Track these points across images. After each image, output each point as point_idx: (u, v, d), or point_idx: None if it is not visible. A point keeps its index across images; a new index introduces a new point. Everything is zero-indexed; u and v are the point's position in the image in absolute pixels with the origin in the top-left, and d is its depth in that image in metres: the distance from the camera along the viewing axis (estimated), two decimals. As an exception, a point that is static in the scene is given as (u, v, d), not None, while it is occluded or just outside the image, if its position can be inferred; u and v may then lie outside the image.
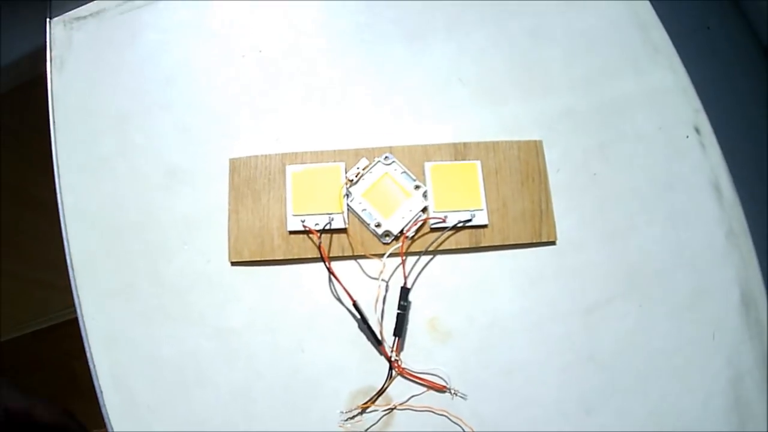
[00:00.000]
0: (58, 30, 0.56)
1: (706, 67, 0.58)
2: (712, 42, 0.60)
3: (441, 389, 0.48)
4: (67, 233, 0.50)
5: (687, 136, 0.56)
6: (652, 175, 0.54)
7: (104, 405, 0.47)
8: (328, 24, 0.58)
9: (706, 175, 0.55)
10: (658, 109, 0.56)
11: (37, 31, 0.56)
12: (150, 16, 0.57)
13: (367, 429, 0.47)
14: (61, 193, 0.51)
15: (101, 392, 0.48)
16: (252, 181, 0.51)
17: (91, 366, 0.48)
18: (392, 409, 0.47)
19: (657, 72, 0.58)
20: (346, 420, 0.47)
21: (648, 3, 0.61)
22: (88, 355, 0.48)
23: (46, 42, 0.55)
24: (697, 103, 0.57)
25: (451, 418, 0.47)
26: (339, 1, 0.59)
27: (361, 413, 0.47)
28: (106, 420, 0.47)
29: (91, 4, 0.57)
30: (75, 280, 0.49)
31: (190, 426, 0.47)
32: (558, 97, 0.56)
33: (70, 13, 0.56)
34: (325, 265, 0.49)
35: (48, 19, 0.56)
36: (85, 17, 0.56)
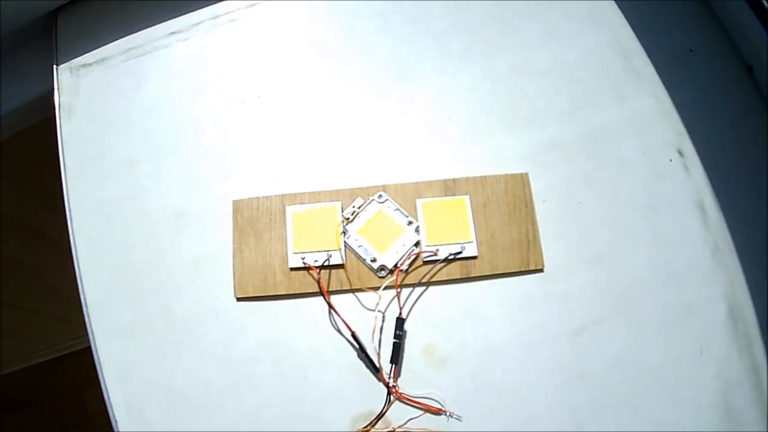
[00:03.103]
0: (65, 76, 0.63)
1: (689, 90, 0.64)
2: (695, 64, 0.66)
3: (437, 412, 0.54)
4: (80, 272, 0.57)
5: (670, 160, 0.62)
6: (637, 199, 0.60)
7: None
8: (320, 67, 0.65)
9: (690, 195, 0.61)
10: (641, 135, 0.63)
11: (45, 77, 0.62)
12: (153, 63, 0.64)
13: (369, 451, 0.53)
14: (73, 234, 0.58)
15: (116, 422, 0.54)
16: (254, 221, 0.58)
17: (106, 398, 0.54)
18: (391, 431, 0.54)
19: (639, 98, 0.64)
20: (349, 444, 0.53)
21: (630, 30, 0.67)
22: (102, 387, 0.55)
23: (53, 87, 0.61)
24: (680, 126, 0.63)
25: (447, 438, 0.54)
26: (331, 47, 0.65)
27: (362, 437, 0.54)
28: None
29: (96, 51, 0.63)
30: (89, 317, 0.56)
31: (202, 453, 0.53)
32: (543, 130, 0.62)
33: (76, 60, 0.63)
34: (325, 299, 0.55)
35: (55, 66, 0.63)
36: (90, 64, 0.63)
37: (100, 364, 0.55)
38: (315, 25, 0.67)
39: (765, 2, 0.63)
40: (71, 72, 0.63)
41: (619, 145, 0.62)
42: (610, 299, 0.57)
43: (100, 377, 0.55)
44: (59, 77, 0.62)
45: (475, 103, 0.63)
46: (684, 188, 0.61)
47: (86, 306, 0.56)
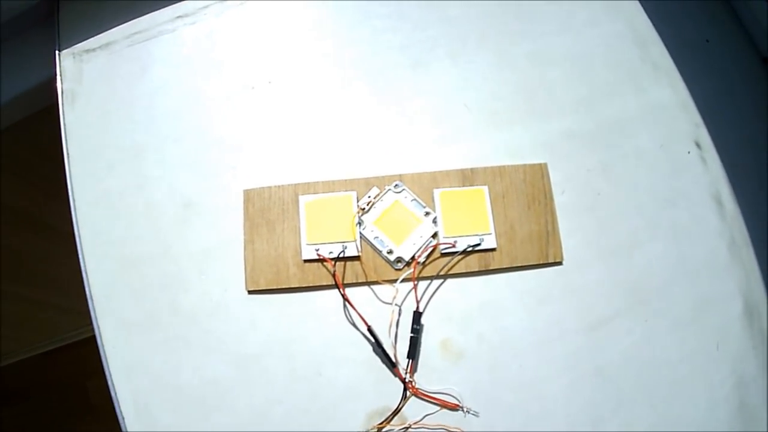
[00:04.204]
0: (68, 62, 0.61)
1: (706, 81, 0.65)
2: (712, 55, 0.67)
3: (454, 408, 0.54)
4: (85, 265, 0.56)
5: (688, 152, 0.62)
6: (655, 191, 0.61)
7: (125, 429, 0.53)
8: (335, 54, 0.64)
9: (707, 188, 0.61)
10: (659, 127, 0.63)
11: (47, 63, 0.61)
12: (159, 48, 0.63)
13: (384, 449, 0.53)
14: (78, 225, 0.57)
15: (123, 419, 0.53)
16: (266, 211, 0.57)
17: (113, 393, 0.54)
18: (407, 428, 0.53)
19: (657, 89, 0.64)
20: (364, 439, 0.53)
21: (647, 19, 0.67)
22: (109, 383, 0.54)
23: (55, 73, 0.60)
24: (697, 118, 0.63)
25: (464, 435, 0.53)
26: (345, 31, 0.65)
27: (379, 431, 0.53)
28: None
29: (99, 36, 0.62)
30: (95, 311, 0.55)
31: (211, 451, 0.53)
32: (561, 120, 0.62)
33: (79, 45, 0.62)
34: (340, 292, 0.55)
35: (57, 52, 0.61)
36: (94, 49, 0.62)
37: (106, 360, 0.54)
38: (328, 9, 0.66)
39: None
40: (74, 58, 0.61)
41: (638, 136, 0.62)
42: (627, 293, 0.58)
43: (107, 373, 0.54)
44: (62, 63, 0.61)
45: (491, 91, 0.63)
46: (701, 181, 0.61)
47: (92, 300, 0.55)
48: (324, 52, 0.64)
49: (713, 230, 0.60)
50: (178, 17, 0.64)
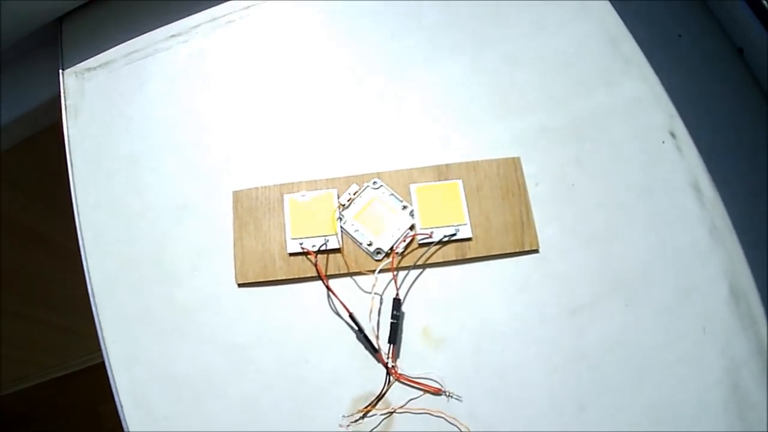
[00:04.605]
0: (71, 80, 0.67)
1: (679, 73, 0.67)
2: (684, 49, 0.69)
3: (436, 392, 0.56)
4: (87, 265, 0.60)
5: (663, 142, 0.64)
6: (630, 181, 0.63)
7: (125, 419, 0.56)
8: (315, 64, 0.69)
9: (684, 176, 0.63)
10: (632, 119, 0.65)
11: (50, 82, 0.67)
12: (154, 65, 0.68)
13: (370, 431, 0.55)
14: (80, 228, 0.62)
15: (122, 407, 0.57)
16: (254, 210, 0.61)
17: (112, 383, 0.57)
18: (391, 412, 0.56)
19: (629, 83, 0.67)
20: (348, 424, 0.55)
21: (617, 18, 0.70)
22: (109, 373, 0.58)
23: (59, 91, 0.66)
24: (671, 109, 0.66)
25: (447, 419, 0.55)
26: (323, 42, 0.70)
27: (362, 417, 0.55)
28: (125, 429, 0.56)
29: (99, 55, 0.68)
30: (96, 306, 0.59)
31: (203, 436, 0.56)
32: (533, 116, 0.65)
33: (80, 64, 0.68)
34: (323, 281, 0.58)
35: (61, 71, 0.67)
36: (95, 68, 0.68)
37: (107, 352, 0.58)
38: (308, 25, 0.71)
39: None
40: (76, 76, 0.67)
41: (611, 129, 0.65)
42: (607, 279, 0.59)
43: (107, 364, 0.58)
44: (65, 81, 0.67)
45: (466, 92, 0.66)
46: (678, 169, 0.63)
47: (93, 296, 0.59)
48: (305, 64, 0.69)
49: (693, 216, 0.61)
50: (172, 36, 0.70)
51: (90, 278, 0.60)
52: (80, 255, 0.61)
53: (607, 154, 0.64)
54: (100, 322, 0.59)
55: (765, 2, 0.65)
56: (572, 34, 0.69)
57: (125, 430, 0.56)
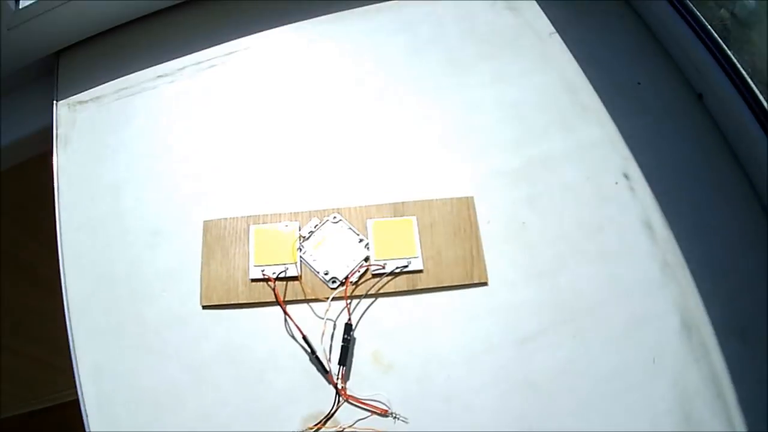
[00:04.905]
0: (63, 111, 0.74)
1: (636, 118, 0.72)
2: (644, 95, 0.75)
3: (384, 413, 0.59)
4: (65, 281, 0.65)
5: (616, 183, 0.69)
6: (581, 219, 0.67)
7: (88, 426, 0.60)
8: (283, 106, 0.76)
9: (636, 215, 0.67)
10: (586, 161, 0.70)
11: (44, 112, 0.73)
12: (141, 102, 0.75)
13: (318, 449, 0.59)
14: (62, 247, 0.67)
15: (86, 416, 0.60)
16: (222, 239, 0.67)
17: (79, 393, 0.61)
18: (340, 431, 0.60)
19: (585, 128, 0.72)
20: (298, 442, 0.59)
21: (578, 68, 0.76)
22: (77, 383, 0.62)
23: (52, 121, 0.72)
24: (626, 152, 0.71)
25: (393, 440, 0.59)
26: (294, 88, 0.77)
27: (311, 435, 0.59)
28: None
29: (91, 90, 0.74)
30: (70, 321, 0.64)
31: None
32: (489, 159, 0.71)
33: (73, 97, 0.74)
34: (280, 305, 0.63)
35: (55, 102, 0.74)
36: (86, 101, 0.74)
37: (76, 363, 0.62)
38: (279, 74, 0.78)
39: (713, 31, 0.71)
40: (69, 107, 0.74)
41: (564, 171, 0.70)
42: (555, 311, 0.63)
43: (76, 375, 0.62)
44: (58, 112, 0.74)
45: (425, 134, 0.73)
46: (630, 208, 0.68)
47: (68, 310, 0.64)
48: (273, 108, 0.76)
49: (644, 253, 0.65)
50: (159, 77, 0.77)
51: (67, 294, 0.65)
52: (59, 273, 0.65)
53: (559, 194, 0.69)
54: (72, 335, 0.63)
55: (726, 47, 0.70)
56: (532, 83, 0.75)
57: (88, 437, 0.60)
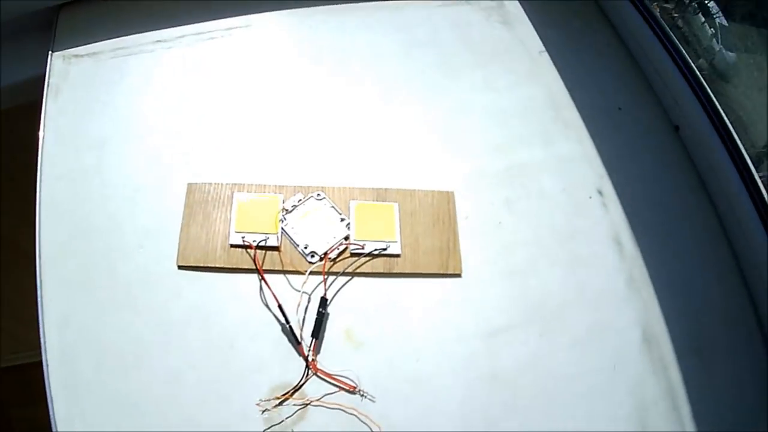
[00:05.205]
0: (58, 62, 0.73)
1: (614, 140, 0.76)
2: (623, 120, 0.79)
3: (351, 389, 0.60)
4: (40, 228, 0.64)
5: (590, 197, 0.72)
6: (554, 226, 0.70)
7: (48, 377, 0.58)
8: (279, 84, 0.77)
9: (607, 229, 0.70)
10: (564, 174, 0.73)
11: (39, 62, 0.72)
12: (137, 63, 0.75)
13: (283, 420, 0.58)
14: (40, 195, 0.65)
15: (47, 366, 0.58)
16: (204, 203, 0.67)
17: (42, 343, 0.59)
18: (306, 404, 0.59)
19: (565, 143, 0.76)
20: (264, 410, 0.59)
21: (563, 87, 0.80)
22: (40, 334, 0.60)
23: (45, 71, 0.71)
24: (602, 170, 0.74)
25: (359, 416, 0.58)
26: (290, 68, 0.78)
27: (279, 404, 0.58)
28: (47, 390, 0.58)
29: (89, 45, 0.74)
30: (40, 268, 0.62)
31: (122, 404, 0.58)
32: (472, 160, 0.74)
33: (70, 50, 0.74)
34: (258, 271, 0.63)
35: (50, 52, 0.73)
36: (82, 56, 0.74)
37: (42, 312, 0.61)
38: (278, 54, 0.80)
39: (694, 65, 0.76)
40: (64, 59, 0.73)
41: (542, 179, 0.73)
42: (524, 309, 0.65)
43: (40, 324, 0.60)
44: (52, 62, 0.73)
45: (413, 133, 0.75)
46: (602, 222, 0.71)
47: (39, 258, 0.62)
48: (269, 84, 0.77)
49: (611, 266, 0.68)
50: (157, 41, 0.77)
51: (39, 242, 0.63)
52: (34, 219, 0.64)
53: (536, 200, 0.72)
54: (41, 284, 0.61)
55: (704, 82, 0.74)
56: (519, 95, 0.79)
57: (47, 388, 0.58)
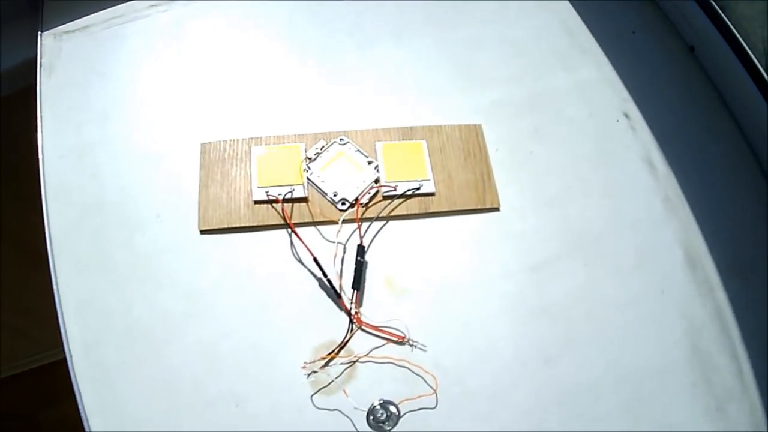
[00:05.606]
0: (49, 41, 0.69)
1: (632, 64, 0.72)
2: (637, 44, 0.75)
3: (400, 340, 0.55)
4: (47, 210, 0.59)
5: (617, 120, 0.68)
6: (585, 153, 0.66)
7: (72, 368, 0.53)
8: (290, 35, 0.72)
9: (637, 152, 0.66)
10: (587, 99, 0.69)
11: (28, 46, 0.68)
12: (133, 30, 0.71)
13: (332, 381, 0.53)
14: (44, 175, 0.61)
15: (70, 356, 0.53)
16: (221, 161, 0.62)
17: (63, 331, 0.54)
18: (354, 361, 0.54)
19: (584, 69, 0.71)
20: (310, 373, 0.53)
21: (575, 14, 0.76)
22: (60, 320, 0.55)
23: (36, 52, 0.67)
24: (624, 94, 0.70)
25: (412, 368, 0.54)
26: (299, 15, 0.73)
27: (325, 365, 0.53)
28: (73, 383, 0.53)
29: (79, 20, 0.70)
30: (52, 251, 0.57)
31: (155, 385, 0.53)
32: (493, 91, 0.69)
33: (60, 27, 0.69)
34: (289, 226, 0.58)
35: (39, 32, 0.69)
36: (73, 31, 0.69)
37: (59, 298, 0.56)
38: (284, 4, 0.74)
39: None
40: (55, 37, 0.69)
41: (566, 106, 0.69)
42: (565, 240, 0.61)
43: (58, 311, 0.55)
44: (42, 42, 0.68)
45: (430, 67, 0.70)
46: (632, 145, 0.67)
47: (50, 241, 0.58)
48: (279, 34, 0.72)
49: (646, 188, 0.64)
50: (152, 5, 0.72)
51: (49, 224, 0.58)
52: (41, 202, 0.59)
53: (564, 128, 0.67)
54: (54, 269, 0.57)
55: (714, 3, 0.70)
56: (531, 24, 0.74)
57: (72, 379, 0.53)
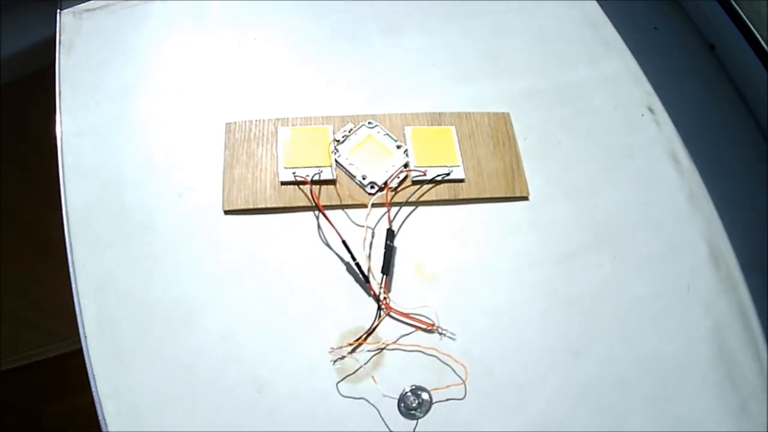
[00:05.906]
0: (68, 19, 0.67)
1: (655, 60, 0.71)
2: (660, 41, 0.74)
3: (429, 327, 0.53)
4: (65, 189, 0.56)
5: (642, 114, 0.67)
6: (611, 145, 0.65)
7: (87, 352, 0.50)
8: (318, 17, 0.70)
9: (662, 146, 0.65)
10: (612, 92, 0.68)
11: (48, 24, 0.66)
12: (154, 7, 0.68)
13: (359, 368, 0.51)
14: (62, 154, 0.58)
15: (85, 339, 0.51)
16: (246, 141, 0.60)
17: (78, 313, 0.51)
18: (382, 349, 0.52)
19: (608, 63, 0.71)
20: (336, 359, 0.51)
21: (599, 8, 0.75)
22: (75, 301, 0.52)
23: (55, 30, 0.65)
24: (648, 88, 0.69)
25: (441, 356, 0.51)
26: (326, 1, 0.72)
27: (352, 351, 0.51)
28: (88, 367, 0.50)
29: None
30: (69, 231, 0.55)
31: (173, 370, 0.50)
32: (520, 80, 0.68)
33: (79, 6, 0.67)
34: (318, 207, 0.56)
35: (59, 10, 0.67)
36: (93, 9, 0.67)
37: (75, 279, 0.53)
38: None
39: None
40: (74, 15, 0.66)
41: (592, 98, 0.68)
42: (593, 231, 0.60)
43: (74, 291, 0.52)
44: (62, 20, 0.66)
45: (455, 55, 0.69)
46: (657, 139, 0.66)
47: (67, 221, 0.55)
48: (307, 18, 0.70)
49: (671, 183, 0.63)
50: (174, -16, 0.70)
51: (66, 203, 0.56)
52: (59, 182, 0.57)
53: (590, 119, 0.66)
54: (71, 247, 0.54)
55: (735, 3, 0.70)
56: (556, 15, 0.74)
57: (87, 363, 0.50)
